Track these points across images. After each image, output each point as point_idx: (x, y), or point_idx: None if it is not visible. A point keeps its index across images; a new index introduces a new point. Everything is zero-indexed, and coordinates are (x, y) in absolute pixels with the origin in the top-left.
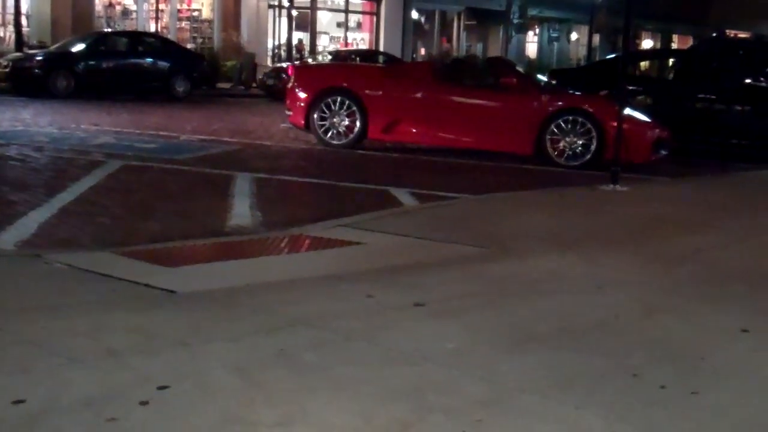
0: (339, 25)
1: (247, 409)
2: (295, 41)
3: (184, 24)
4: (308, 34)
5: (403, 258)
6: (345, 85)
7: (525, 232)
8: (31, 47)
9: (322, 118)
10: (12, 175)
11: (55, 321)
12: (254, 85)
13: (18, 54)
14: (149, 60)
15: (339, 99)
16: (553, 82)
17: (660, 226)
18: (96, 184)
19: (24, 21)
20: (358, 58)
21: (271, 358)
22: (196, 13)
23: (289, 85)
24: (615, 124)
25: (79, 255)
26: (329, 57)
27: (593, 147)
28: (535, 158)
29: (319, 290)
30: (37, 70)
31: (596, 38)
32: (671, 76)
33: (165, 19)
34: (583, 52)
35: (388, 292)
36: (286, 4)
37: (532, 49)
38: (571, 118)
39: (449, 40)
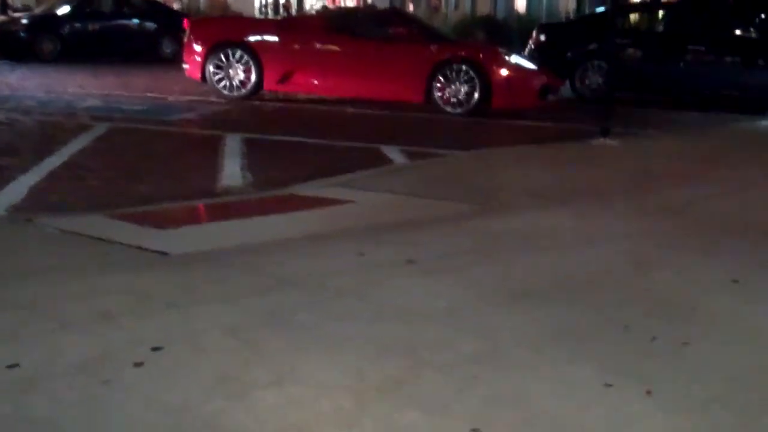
0: None
1: (240, 369)
2: (281, 0)
3: None
4: None
5: (394, 216)
6: (239, 37)
7: (516, 187)
8: (15, 10)
9: (218, 71)
10: (0, 139)
11: (47, 285)
12: None
13: (2, 17)
14: (135, 21)
15: (233, 51)
16: (542, 37)
17: (651, 180)
18: (85, 147)
19: None
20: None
21: (263, 318)
22: None
23: (185, 39)
24: (501, 71)
25: (70, 219)
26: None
27: (476, 95)
28: (426, 106)
29: (310, 249)
30: (22, 34)
31: None
32: (661, 28)
33: None
34: (572, 6)
35: (380, 250)
36: None
37: (521, 3)
38: (455, 66)
39: None
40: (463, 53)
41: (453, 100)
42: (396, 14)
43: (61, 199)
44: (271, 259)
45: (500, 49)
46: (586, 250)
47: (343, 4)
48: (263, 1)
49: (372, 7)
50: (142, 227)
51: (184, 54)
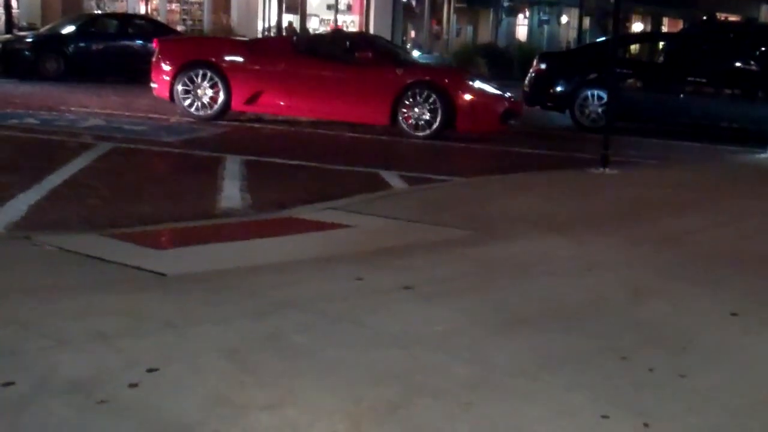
0: (329, 7)
1: (236, 392)
2: (285, 23)
3: (174, 6)
4: (298, 16)
5: (393, 241)
6: (208, 58)
7: (514, 214)
8: (21, 29)
9: (186, 91)
10: (1, 156)
11: (44, 303)
12: None
13: (8, 36)
14: (139, 42)
15: (202, 72)
16: (543, 65)
17: (649, 209)
18: (86, 166)
19: (14, 2)
20: (348, 42)
21: (260, 340)
22: None
23: (154, 58)
24: (465, 96)
25: (69, 237)
26: None
27: (439, 118)
28: (391, 129)
29: (308, 273)
30: (27, 52)
31: (587, 21)
32: (661, 59)
33: (155, 1)
34: (573, 35)
35: (377, 274)
36: None
37: (522, 32)
38: (419, 90)
39: (439, 23)
40: (427, 77)
41: (418, 123)
42: (364, 38)
43: (61, 217)
44: (268, 281)
45: (465, 74)
46: (583, 278)
47: (346, 29)
48: (267, 25)
49: (340, 31)
50: (141, 247)
51: (153, 73)
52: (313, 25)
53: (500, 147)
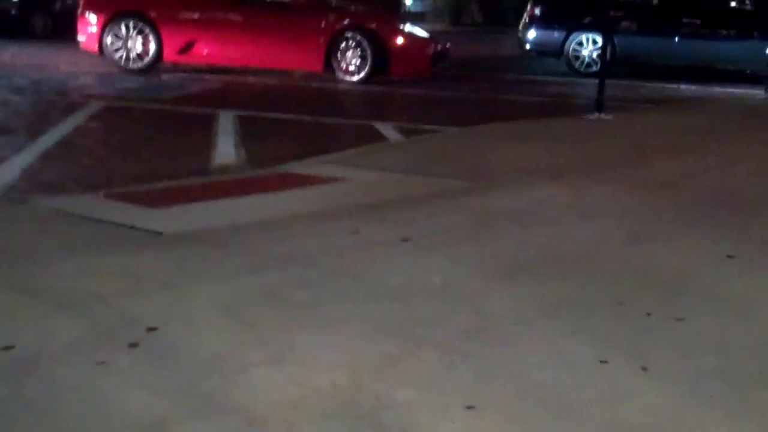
0: None
1: (236, 349)
2: None
3: None
4: None
5: (389, 193)
6: (137, 8)
7: (510, 163)
8: None
9: (116, 43)
10: None
11: (41, 266)
12: None
13: None
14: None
15: (131, 23)
16: (536, 10)
17: (645, 153)
18: (78, 126)
19: None
20: None
21: (258, 297)
22: None
23: (80, 11)
24: (397, 40)
25: (64, 198)
26: None
27: (369, 62)
28: (325, 74)
29: (305, 228)
30: (13, 11)
31: None
32: (656, 1)
33: None
34: None
35: (374, 227)
36: None
37: None
38: (351, 35)
39: None
40: (359, 22)
41: (350, 68)
42: None
43: (55, 179)
44: (265, 237)
45: (396, 18)
46: (580, 225)
47: None
48: None
49: None
50: (136, 207)
51: (79, 27)
52: None
53: (492, 95)
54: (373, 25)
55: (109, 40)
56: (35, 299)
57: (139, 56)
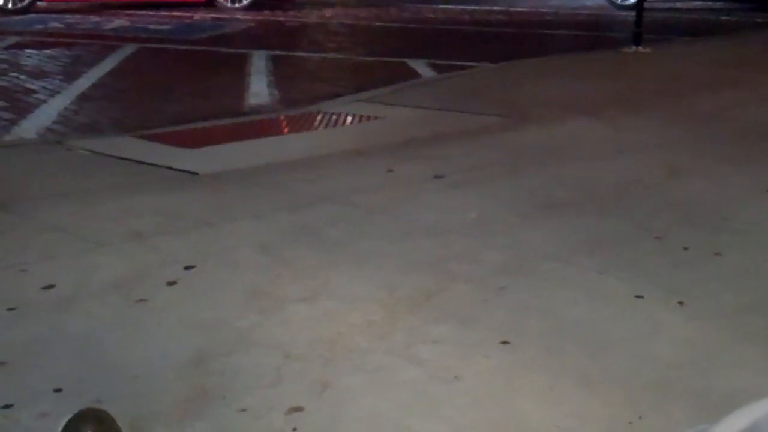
0: None
1: (273, 285)
2: None
3: None
4: None
5: (422, 130)
6: None
7: (545, 98)
8: None
9: None
10: (29, 63)
11: (80, 206)
12: None
13: None
14: None
15: None
16: None
17: (684, 86)
18: (113, 68)
19: None
20: None
21: (294, 234)
22: None
23: None
24: None
25: (100, 140)
26: None
27: None
28: (208, 5)
29: (339, 166)
30: None
31: None
32: None
33: None
34: None
35: (408, 165)
36: None
37: None
38: None
39: None
40: None
41: None
42: None
43: (91, 121)
44: (300, 176)
45: None
46: (617, 159)
47: None
48: None
49: None
50: (172, 147)
51: None
52: None
53: (528, 30)
54: None
55: None
56: (74, 239)
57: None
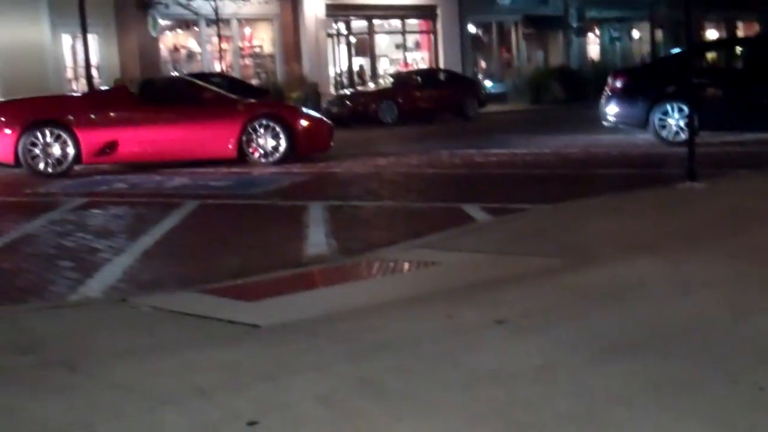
0: (398, 46)
1: None
2: (355, 67)
3: (247, 61)
4: (368, 58)
5: (480, 275)
6: (52, 115)
7: (603, 238)
8: None
9: (32, 151)
10: (95, 223)
11: (144, 363)
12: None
13: None
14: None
15: (47, 130)
16: (618, 83)
17: (744, 221)
18: (175, 225)
19: (94, 72)
20: (419, 78)
21: (356, 386)
22: (258, 49)
23: None
24: (302, 123)
25: (164, 296)
26: (390, 80)
27: (283, 145)
28: (239, 161)
29: (398, 314)
30: None
31: (659, 34)
32: (740, 65)
33: (228, 57)
34: (646, 49)
35: (468, 310)
36: (344, 32)
37: (594, 51)
38: (264, 122)
39: (509, 51)
40: (268, 110)
41: (264, 151)
42: (185, 81)
43: (154, 277)
44: (360, 325)
45: (297, 106)
46: (681, 298)
47: (415, 67)
48: (338, 70)
49: (171, 77)
50: (233, 300)
51: None
52: (384, 66)
53: (580, 170)
54: (282, 112)
55: (26, 149)
56: (139, 397)
57: (58, 162)
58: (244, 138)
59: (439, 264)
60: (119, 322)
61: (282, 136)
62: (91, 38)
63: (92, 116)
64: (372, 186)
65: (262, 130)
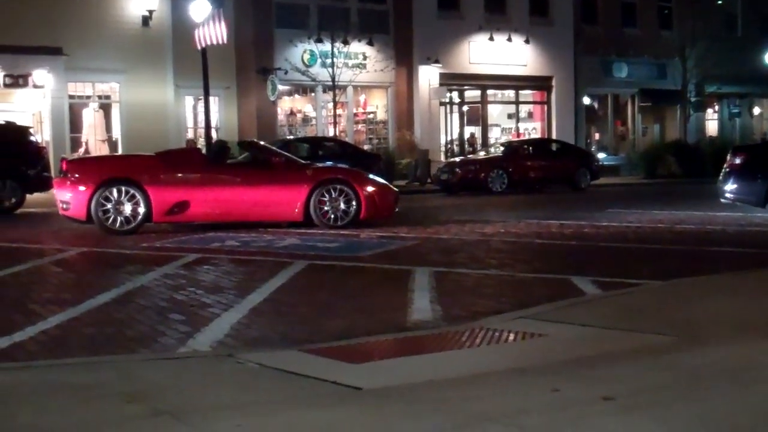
0: (510, 116)
1: None
2: (467, 135)
3: (360, 126)
4: (479, 127)
5: (588, 349)
6: (124, 174)
7: (717, 317)
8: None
9: (104, 208)
10: (206, 279)
11: (247, 419)
12: (429, 180)
13: None
14: (328, 163)
15: (119, 188)
16: (738, 159)
17: None
18: (283, 284)
19: (214, 133)
20: (530, 147)
21: None
22: (371, 116)
23: (62, 178)
24: (368, 188)
25: (269, 354)
26: (501, 148)
27: (353, 209)
28: (306, 224)
29: (502, 385)
30: None
31: None
32: None
33: (342, 123)
34: (767, 126)
35: (575, 385)
36: (457, 100)
37: (712, 126)
38: (333, 186)
39: (624, 123)
40: (337, 175)
41: (331, 215)
42: (255, 145)
43: (261, 334)
44: (463, 394)
45: (363, 172)
46: None
47: (527, 137)
48: (449, 138)
49: (251, 142)
50: (337, 362)
51: (63, 194)
52: (495, 135)
53: (695, 247)
54: (350, 177)
55: (98, 206)
56: None
57: (127, 220)
58: (311, 201)
59: (546, 336)
60: (225, 377)
61: (352, 200)
62: (213, 100)
63: (164, 176)
64: (479, 254)
65: (333, 194)
